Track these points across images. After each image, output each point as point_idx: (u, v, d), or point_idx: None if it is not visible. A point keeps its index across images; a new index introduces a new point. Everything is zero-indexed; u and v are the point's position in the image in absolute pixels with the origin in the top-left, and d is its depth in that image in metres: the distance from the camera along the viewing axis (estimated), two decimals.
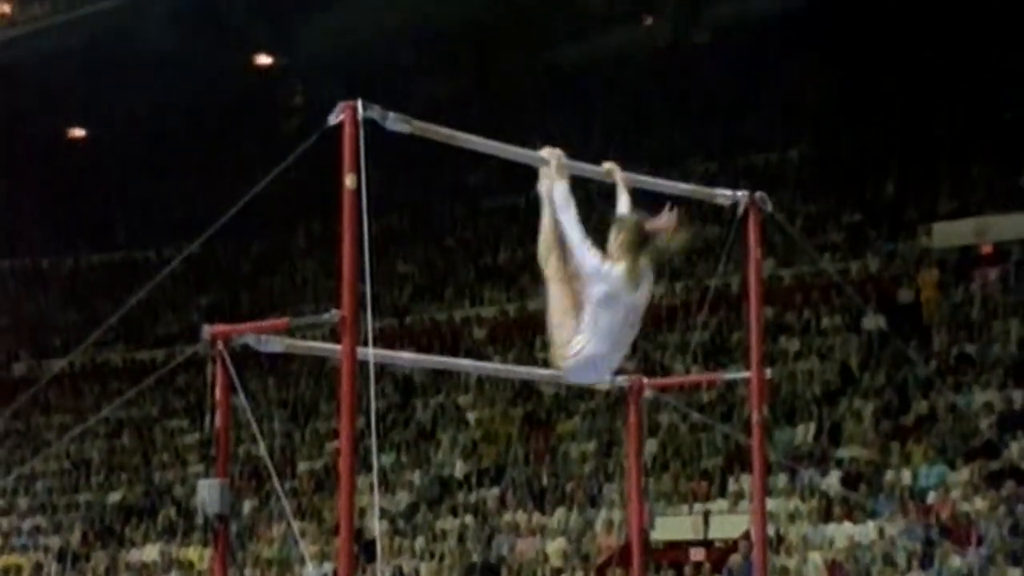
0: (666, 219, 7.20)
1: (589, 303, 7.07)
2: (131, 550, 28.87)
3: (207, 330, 7.26)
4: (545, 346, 27.25)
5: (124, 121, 36.87)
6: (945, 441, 21.73)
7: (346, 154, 6.86)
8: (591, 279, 7.04)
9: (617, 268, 7.06)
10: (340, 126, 6.88)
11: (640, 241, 7.12)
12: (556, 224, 7.20)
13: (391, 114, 7.00)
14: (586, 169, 7.95)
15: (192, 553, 27.42)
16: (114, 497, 31.42)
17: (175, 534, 28.62)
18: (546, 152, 7.47)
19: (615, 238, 7.15)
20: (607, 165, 8.09)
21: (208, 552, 23.01)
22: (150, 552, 28.44)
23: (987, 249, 25.71)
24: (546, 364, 26.92)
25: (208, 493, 7.16)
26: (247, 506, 28.12)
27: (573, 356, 7.16)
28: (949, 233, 26.29)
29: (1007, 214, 25.97)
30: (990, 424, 21.44)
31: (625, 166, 8.44)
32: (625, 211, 7.48)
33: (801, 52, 30.81)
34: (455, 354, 26.68)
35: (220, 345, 7.18)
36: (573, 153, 7.82)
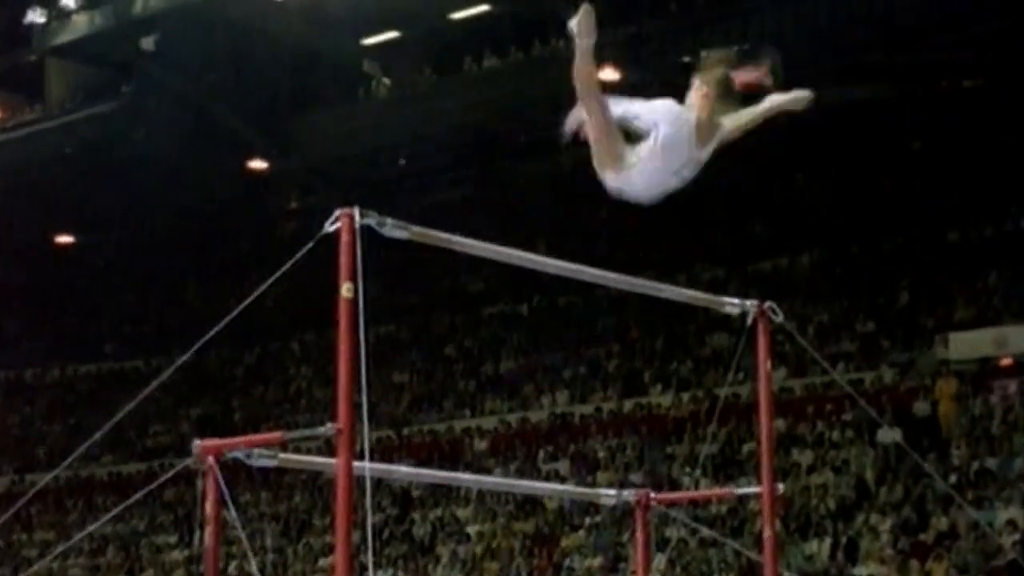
0: (756, 74, 6.58)
1: (652, 139, 6.59)
2: None
3: (197, 445, 7.25)
4: (548, 457, 27.26)
5: (115, 227, 37.15)
6: (967, 560, 21.55)
7: (343, 262, 6.89)
8: (664, 118, 6.55)
9: (692, 117, 6.60)
10: (337, 233, 6.92)
11: (724, 94, 6.59)
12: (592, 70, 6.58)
13: (389, 220, 7.04)
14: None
15: None
16: None
17: None
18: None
19: (698, 87, 6.59)
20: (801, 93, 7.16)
21: None
22: None
23: (1007, 361, 25.70)
24: (549, 477, 26.89)
25: None
26: None
27: (626, 169, 6.68)
28: (967, 343, 26.27)
29: None
30: (1014, 543, 21.26)
31: (630, 269, 8.48)
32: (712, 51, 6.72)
33: (811, 155, 31.05)
34: (455, 467, 26.61)
35: (211, 459, 7.16)
36: (575, 257, 7.85)
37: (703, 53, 6.56)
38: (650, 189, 6.77)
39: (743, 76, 6.57)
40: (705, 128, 6.58)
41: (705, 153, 6.65)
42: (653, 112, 6.56)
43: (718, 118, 6.59)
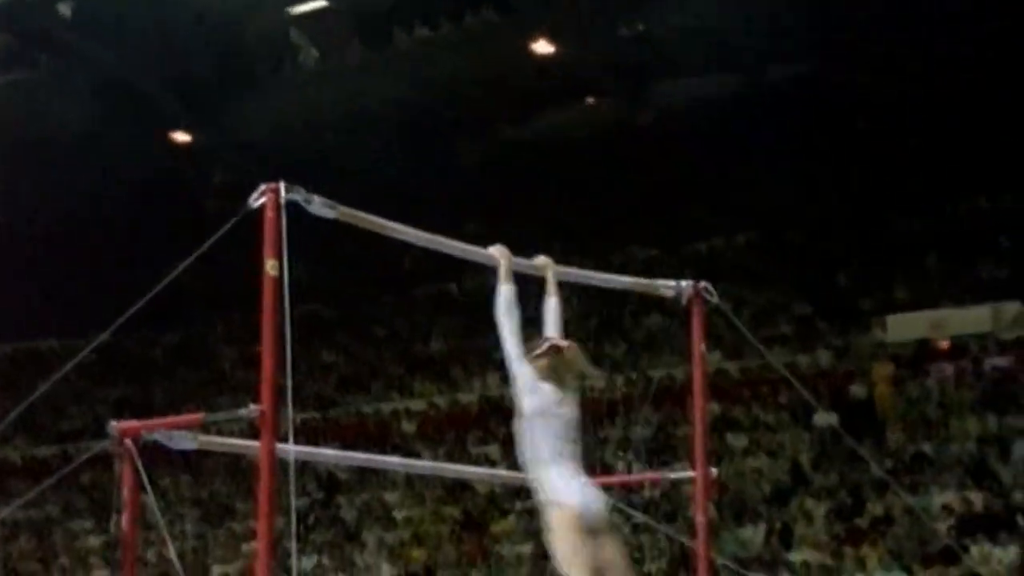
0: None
1: (523, 417, 7.33)
2: None
3: (114, 426, 7.19)
4: (479, 441, 27.26)
5: (29, 203, 36.71)
6: (902, 545, 21.79)
7: (267, 239, 6.85)
8: (523, 392, 7.32)
9: (545, 386, 7.36)
10: (261, 209, 6.88)
11: (561, 365, 7.43)
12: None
13: (316, 197, 7.01)
14: (520, 264, 8.04)
15: None
16: None
17: None
18: (494, 251, 7.82)
19: (534, 360, 7.41)
20: (540, 260, 8.26)
21: None
22: None
23: (944, 344, 25.97)
24: (479, 461, 26.84)
25: None
26: None
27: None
28: (904, 326, 26.53)
29: (964, 307, 26.27)
30: (948, 528, 21.53)
31: (564, 251, 8.50)
32: (551, 326, 7.85)
33: (749, 134, 31.18)
34: (382, 450, 26.53)
35: (128, 442, 7.11)
36: (510, 238, 7.86)
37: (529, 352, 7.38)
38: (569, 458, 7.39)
39: (567, 347, 7.50)
40: (557, 391, 7.41)
41: (570, 411, 7.46)
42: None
43: (566, 379, 7.46)
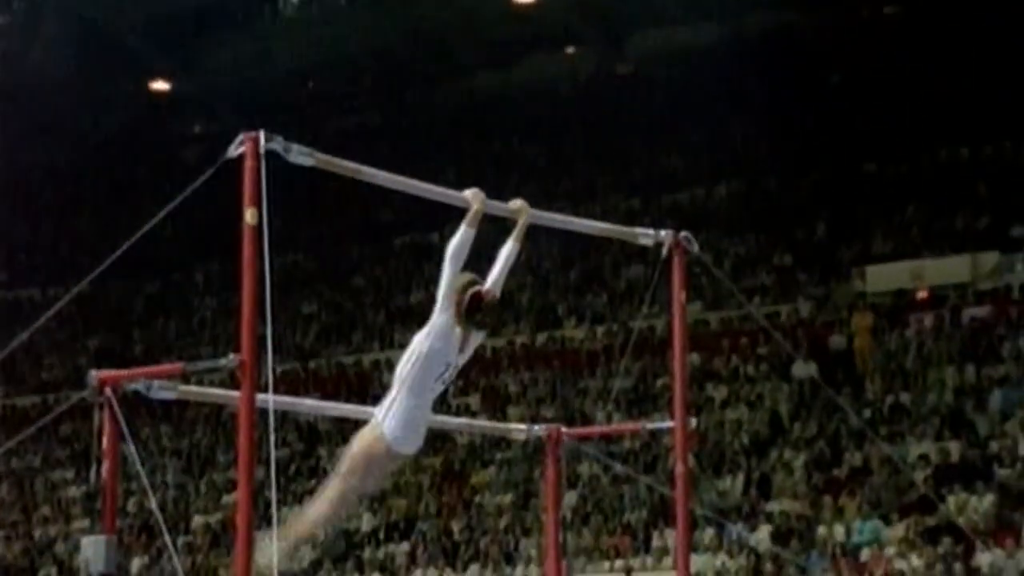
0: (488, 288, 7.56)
1: (416, 356, 7.43)
2: None
3: (94, 375, 7.17)
4: (459, 392, 27.30)
5: (5, 152, 36.53)
6: (879, 495, 21.92)
7: (246, 187, 6.83)
8: (434, 333, 7.41)
9: (456, 332, 7.46)
10: (241, 158, 6.86)
11: (469, 310, 7.45)
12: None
13: (295, 146, 6.98)
14: (496, 207, 8.01)
15: None
16: None
17: None
18: (468, 194, 7.70)
19: (454, 300, 7.46)
20: (516, 203, 8.19)
21: None
22: None
23: (923, 294, 26.04)
24: (459, 411, 26.79)
25: (93, 550, 7.06)
26: (136, 564, 27.77)
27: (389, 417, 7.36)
28: (883, 277, 26.60)
29: (943, 257, 26.34)
30: (926, 478, 21.65)
31: (544, 200, 8.48)
32: (496, 269, 7.76)
33: (729, 85, 31.15)
34: (363, 400, 26.47)
35: (108, 391, 7.10)
36: (488, 187, 7.84)
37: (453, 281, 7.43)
38: (423, 404, 7.55)
39: (484, 292, 7.50)
40: (464, 336, 7.49)
41: (464, 357, 7.57)
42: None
43: (474, 326, 7.50)
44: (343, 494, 7.58)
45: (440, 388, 7.61)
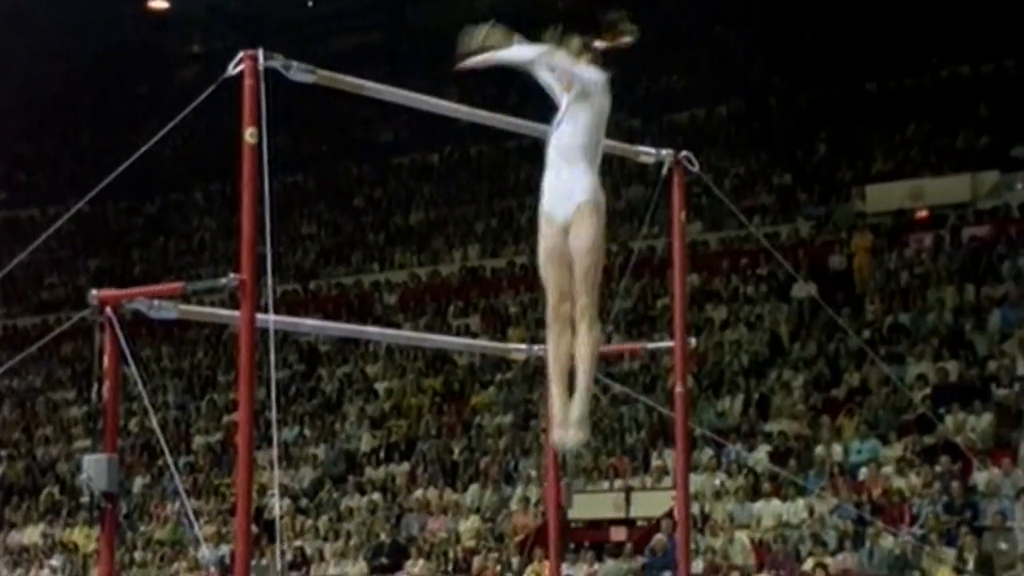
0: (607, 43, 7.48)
1: (571, 93, 7.31)
2: (11, 532, 28.57)
3: (95, 295, 7.17)
4: (459, 312, 27.22)
5: (5, 71, 36.35)
6: (878, 415, 22.00)
7: (246, 106, 6.80)
8: (572, 72, 7.28)
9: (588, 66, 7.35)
10: (240, 77, 6.81)
11: (591, 55, 7.43)
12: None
13: (295, 63, 6.94)
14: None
15: (77, 535, 27.17)
16: None
17: (59, 514, 28.35)
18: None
19: (567, 56, 7.33)
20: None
21: (94, 533, 22.82)
22: (31, 534, 28.16)
23: (922, 214, 26.01)
24: (459, 332, 26.85)
25: (95, 469, 7.09)
26: (137, 483, 27.94)
27: None
28: (883, 196, 26.55)
29: (943, 177, 26.28)
30: (924, 397, 21.71)
31: (544, 118, 8.44)
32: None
33: (730, 4, 30.96)
34: (363, 321, 26.61)
35: (109, 311, 7.09)
36: (488, 103, 7.79)
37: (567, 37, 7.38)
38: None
39: (599, 45, 7.48)
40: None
41: (606, 99, 7.66)
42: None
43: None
44: None
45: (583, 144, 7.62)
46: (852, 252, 25.82)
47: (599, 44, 7.45)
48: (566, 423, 7.18)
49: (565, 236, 7.28)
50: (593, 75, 7.41)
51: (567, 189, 7.46)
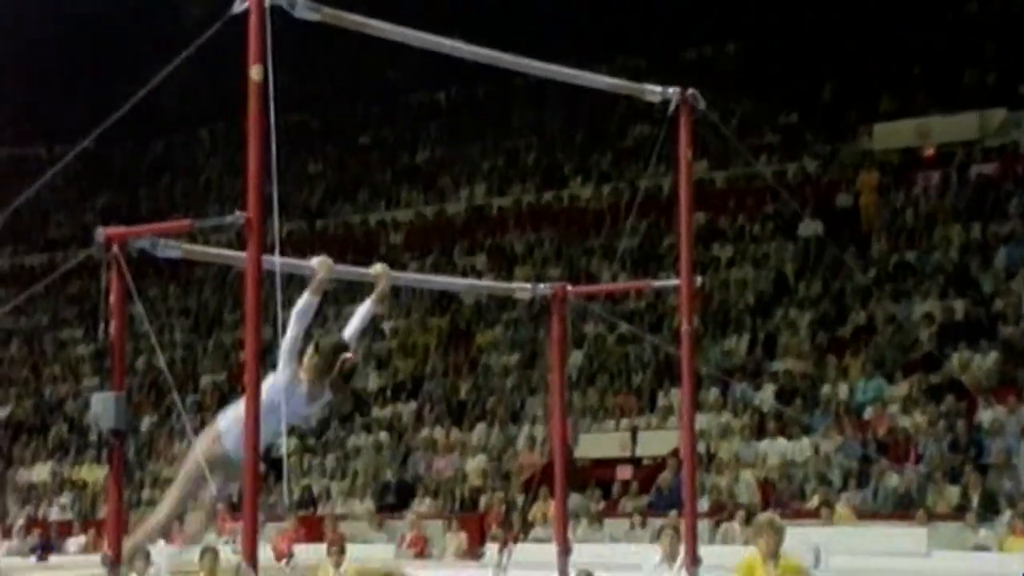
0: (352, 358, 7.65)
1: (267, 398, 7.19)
2: (19, 470, 28.74)
3: (101, 232, 7.15)
4: (465, 251, 27.17)
5: (11, 8, 36.19)
6: (883, 354, 22.01)
7: (251, 44, 6.76)
8: (278, 386, 7.24)
9: (302, 388, 7.41)
10: (246, 14, 6.78)
11: (329, 370, 7.48)
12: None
13: (300, 1, 6.90)
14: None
15: (85, 472, 27.35)
16: (1, 413, 31.20)
17: (67, 452, 28.51)
18: (315, 262, 7.78)
19: (311, 355, 7.48)
20: (377, 268, 8.43)
21: (102, 471, 22.93)
22: (40, 472, 28.33)
23: (929, 152, 25.92)
24: (466, 271, 26.84)
25: (103, 407, 7.09)
26: (145, 422, 28.05)
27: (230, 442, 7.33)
28: (890, 134, 26.44)
29: (951, 115, 26.15)
30: (930, 336, 21.72)
31: (551, 58, 8.39)
32: (352, 326, 8.01)
33: None
34: (369, 261, 26.57)
35: (115, 248, 7.08)
36: (498, 43, 7.73)
37: (320, 339, 7.57)
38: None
39: (348, 359, 7.56)
40: (312, 394, 7.49)
41: (314, 408, 7.67)
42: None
43: (326, 384, 7.51)
44: (180, 499, 7.62)
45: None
46: (859, 190, 25.75)
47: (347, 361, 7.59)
48: None
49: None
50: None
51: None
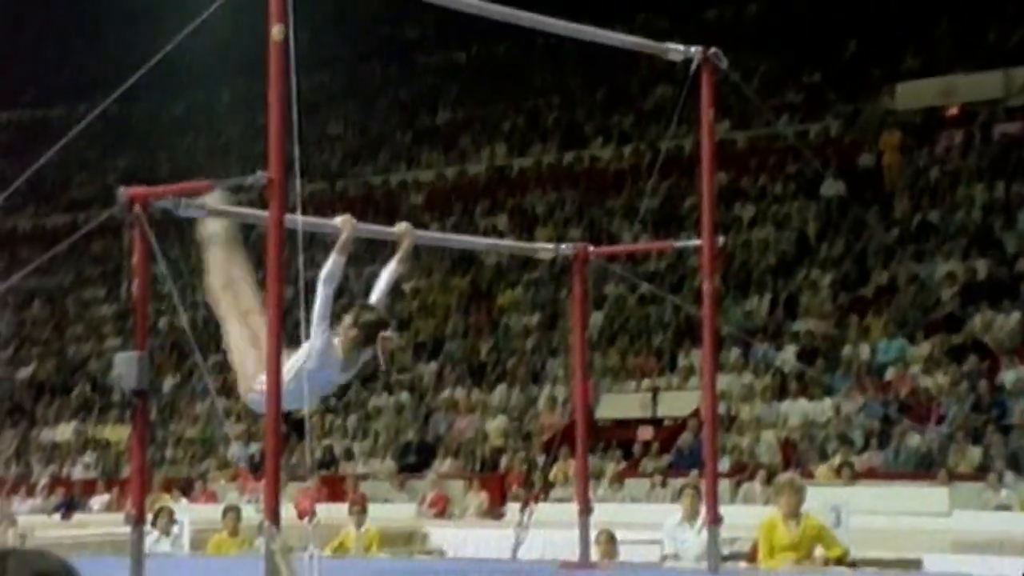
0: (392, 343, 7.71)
1: (303, 364, 7.26)
2: (43, 429, 28.88)
3: (123, 192, 7.17)
4: (486, 212, 27.34)
5: None
6: (905, 314, 21.97)
7: (273, 3, 6.76)
8: (313, 354, 7.28)
9: (337, 354, 7.46)
10: None
11: (368, 340, 7.53)
12: (225, 264, 7.87)
13: None
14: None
15: (108, 432, 27.46)
16: (24, 373, 31.34)
17: (90, 412, 28.62)
18: (338, 220, 7.84)
19: (350, 326, 7.56)
20: (402, 226, 8.50)
21: (126, 431, 23.05)
22: (63, 432, 28.46)
23: (953, 111, 25.80)
24: (486, 232, 26.94)
25: (126, 367, 7.12)
26: (168, 383, 28.14)
27: (260, 391, 7.09)
28: (913, 93, 26.32)
29: (975, 73, 26.01)
30: (952, 296, 21.67)
31: (571, 16, 8.37)
32: (378, 290, 8.10)
33: None
34: (390, 221, 26.58)
35: (138, 209, 7.10)
36: (524, 1, 7.70)
37: (361, 313, 7.66)
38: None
39: (387, 341, 7.64)
40: (349, 361, 7.55)
41: (347, 376, 7.70)
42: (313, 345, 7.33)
43: (362, 354, 7.58)
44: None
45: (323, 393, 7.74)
46: (881, 150, 25.66)
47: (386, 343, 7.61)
48: None
49: None
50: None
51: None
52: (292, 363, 7.22)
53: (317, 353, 7.25)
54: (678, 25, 30.45)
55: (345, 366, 7.51)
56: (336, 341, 7.42)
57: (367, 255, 29.88)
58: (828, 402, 20.73)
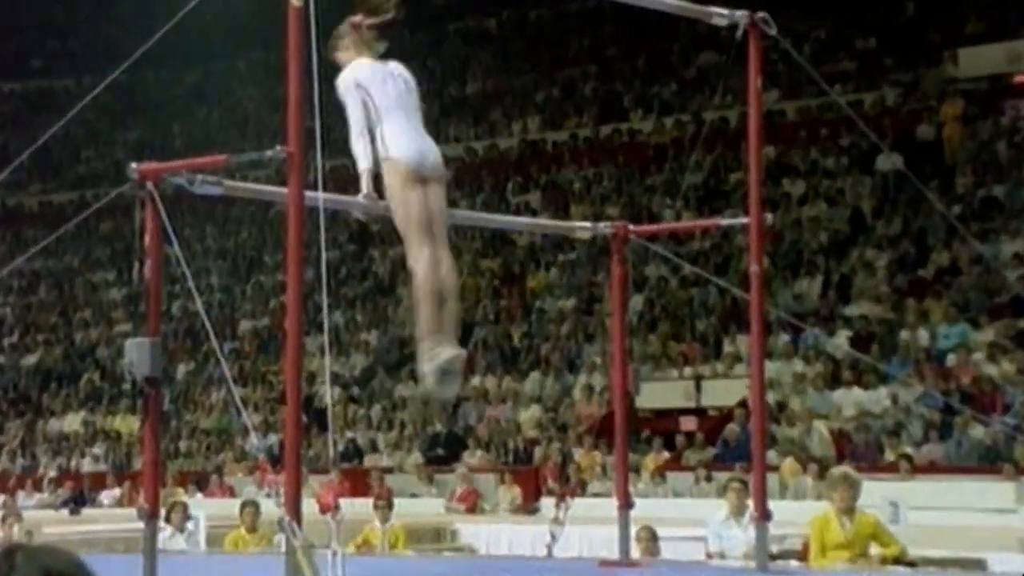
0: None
1: (374, 109, 7.65)
2: (50, 419, 29.05)
3: (134, 168, 7.18)
4: (519, 189, 27.22)
5: None
6: (967, 297, 21.90)
7: None
8: (361, 90, 7.63)
9: (362, 62, 7.76)
10: None
11: (359, 33, 7.81)
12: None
13: None
14: None
15: (119, 422, 27.62)
16: (30, 360, 31.52)
17: (100, 401, 28.78)
18: (362, 196, 7.80)
19: (343, 48, 7.80)
20: None
21: (137, 421, 23.15)
22: (71, 421, 28.63)
23: (1019, 78, 25.69)
24: (519, 210, 26.87)
25: (137, 354, 7.15)
26: (181, 370, 28.27)
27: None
28: (976, 60, 26.22)
29: None
30: (1018, 277, 21.60)
31: None
32: None
33: None
34: None
35: (150, 185, 7.12)
36: None
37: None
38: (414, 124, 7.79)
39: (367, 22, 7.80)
40: (372, 53, 7.86)
41: (394, 67, 8.00)
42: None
43: (373, 47, 7.94)
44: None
45: (409, 111, 7.80)
46: (942, 121, 25.58)
47: (367, 21, 7.83)
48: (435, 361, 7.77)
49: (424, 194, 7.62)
50: (399, 83, 7.90)
51: (428, 143, 7.82)
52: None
53: (357, 87, 7.60)
54: None
55: (376, 56, 7.79)
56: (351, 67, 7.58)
57: (392, 234, 29.98)
58: (884, 391, 20.66)
